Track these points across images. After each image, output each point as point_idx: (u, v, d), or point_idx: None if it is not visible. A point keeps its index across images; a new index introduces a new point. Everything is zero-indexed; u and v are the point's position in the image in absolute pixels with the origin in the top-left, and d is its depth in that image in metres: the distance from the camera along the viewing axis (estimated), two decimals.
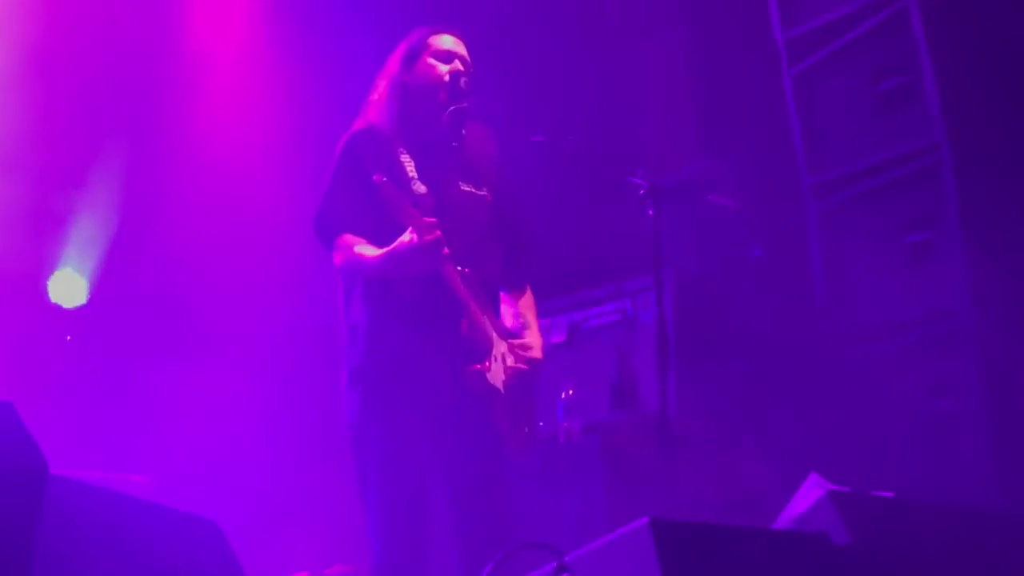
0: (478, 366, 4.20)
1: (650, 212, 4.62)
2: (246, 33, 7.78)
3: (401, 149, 4.31)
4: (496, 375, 4.24)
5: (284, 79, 7.58)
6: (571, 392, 5.93)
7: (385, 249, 4.11)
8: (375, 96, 4.52)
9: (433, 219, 4.05)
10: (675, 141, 6.61)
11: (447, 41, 4.51)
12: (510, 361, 4.33)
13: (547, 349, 4.60)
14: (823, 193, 5.85)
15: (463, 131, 4.42)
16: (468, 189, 4.44)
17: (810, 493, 3.93)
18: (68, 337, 7.03)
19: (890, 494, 4.13)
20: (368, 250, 4.18)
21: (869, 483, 4.41)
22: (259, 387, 7.18)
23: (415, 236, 4.01)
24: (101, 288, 7.15)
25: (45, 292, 7.04)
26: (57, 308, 7.07)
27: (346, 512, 5.77)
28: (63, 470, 3.25)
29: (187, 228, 7.23)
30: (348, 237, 4.26)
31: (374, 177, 4.05)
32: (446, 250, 4.07)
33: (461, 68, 4.45)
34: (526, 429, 4.38)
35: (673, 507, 4.49)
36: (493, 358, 4.25)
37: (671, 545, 3.03)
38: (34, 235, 6.87)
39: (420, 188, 4.24)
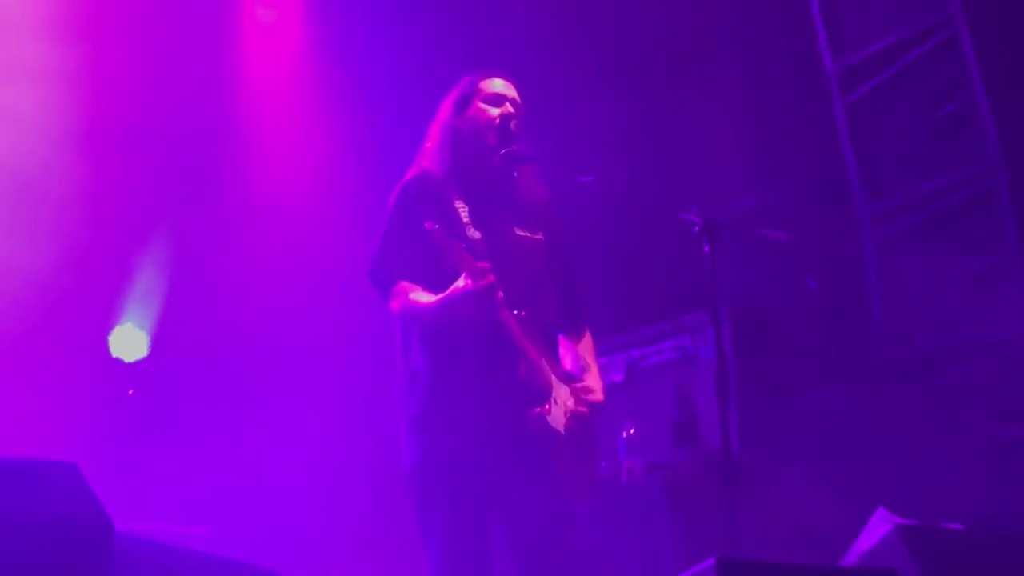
0: (538, 409, 4.17)
1: (706, 248, 4.60)
2: (300, 80, 7.87)
3: (455, 195, 4.30)
4: (556, 418, 4.21)
5: (339, 125, 7.63)
6: (632, 431, 5.89)
7: (439, 296, 4.12)
8: (428, 144, 4.53)
9: (486, 263, 4.04)
10: (728, 175, 6.59)
11: (497, 84, 4.52)
12: (570, 404, 4.29)
13: (607, 389, 4.56)
14: (879, 222, 5.81)
15: (515, 174, 4.41)
16: (523, 234, 4.43)
17: (878, 528, 3.89)
18: (130, 391, 7.08)
19: (959, 526, 4.07)
20: (424, 297, 4.19)
21: (938, 516, 4.35)
22: (319, 436, 7.20)
23: (468, 282, 4.00)
24: (161, 342, 7.20)
25: (107, 347, 7.10)
26: (118, 362, 7.12)
27: (408, 561, 5.75)
28: (126, 524, 3.28)
29: (245, 281, 7.28)
30: (404, 285, 4.26)
31: (425, 225, 4.05)
32: (500, 294, 4.05)
33: (512, 111, 4.45)
34: (587, 473, 4.35)
35: (739, 545, 4.45)
36: (553, 401, 4.21)
37: None
38: (95, 290, 6.94)
39: (474, 234, 4.22)
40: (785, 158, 6.60)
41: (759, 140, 6.71)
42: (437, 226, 4.04)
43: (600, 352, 6.05)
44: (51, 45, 6.61)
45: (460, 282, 4.03)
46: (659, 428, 6.03)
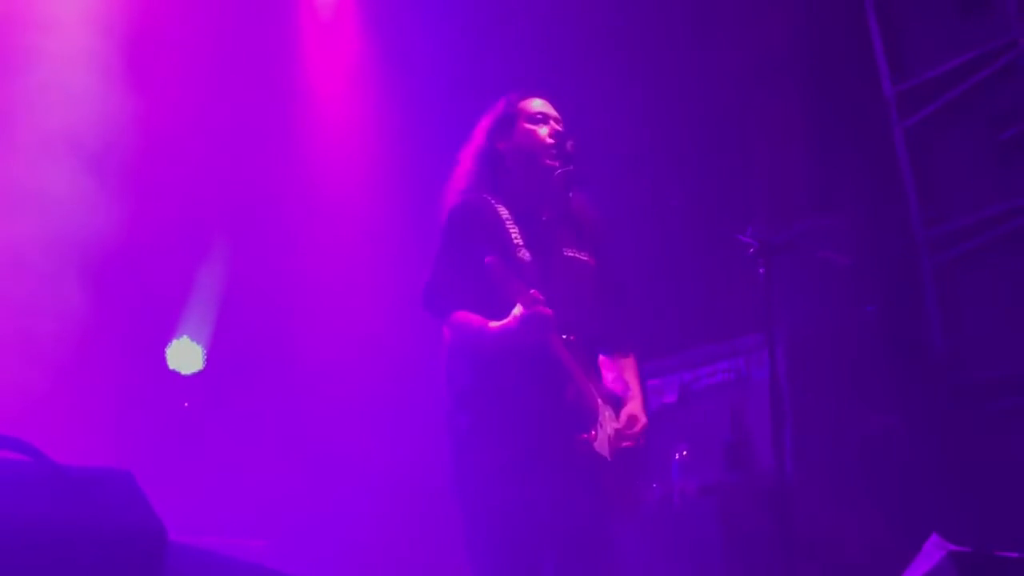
0: (585, 436, 4.16)
1: (761, 270, 4.58)
2: (358, 91, 7.91)
3: (506, 216, 4.30)
4: (602, 443, 4.19)
5: (398, 134, 7.66)
6: (685, 453, 5.88)
7: (496, 328, 4.09)
8: (463, 168, 4.53)
9: (540, 297, 4.03)
10: (786, 197, 6.57)
11: (537, 104, 4.51)
12: (616, 427, 4.28)
13: (658, 410, 4.55)
14: (938, 246, 5.77)
15: (569, 195, 4.41)
16: (572, 255, 4.42)
17: (931, 554, 3.86)
18: (186, 403, 7.15)
19: (1015, 555, 4.02)
20: (481, 328, 4.17)
21: (993, 544, 4.30)
22: (374, 452, 7.22)
23: (524, 312, 4.00)
24: (217, 355, 7.26)
25: (164, 360, 7.17)
26: (175, 375, 7.19)
27: None
28: (182, 536, 3.30)
29: (301, 296, 7.33)
30: (461, 314, 4.24)
31: (486, 260, 4.04)
32: (553, 325, 4.05)
33: (559, 128, 4.45)
34: (632, 495, 4.32)
35: (791, 569, 4.42)
36: (599, 425, 4.21)
37: None
38: (153, 304, 7.01)
39: (525, 256, 4.21)
40: (844, 181, 6.57)
41: (818, 163, 6.68)
42: (495, 260, 4.04)
43: (653, 373, 6.06)
44: (104, 45, 6.66)
45: (516, 311, 4.03)
46: (712, 450, 6.00)
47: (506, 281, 4.04)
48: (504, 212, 4.29)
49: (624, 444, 4.25)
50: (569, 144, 4.38)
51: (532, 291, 4.01)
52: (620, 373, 4.49)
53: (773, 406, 4.58)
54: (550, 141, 4.39)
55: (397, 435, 7.22)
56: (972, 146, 5.65)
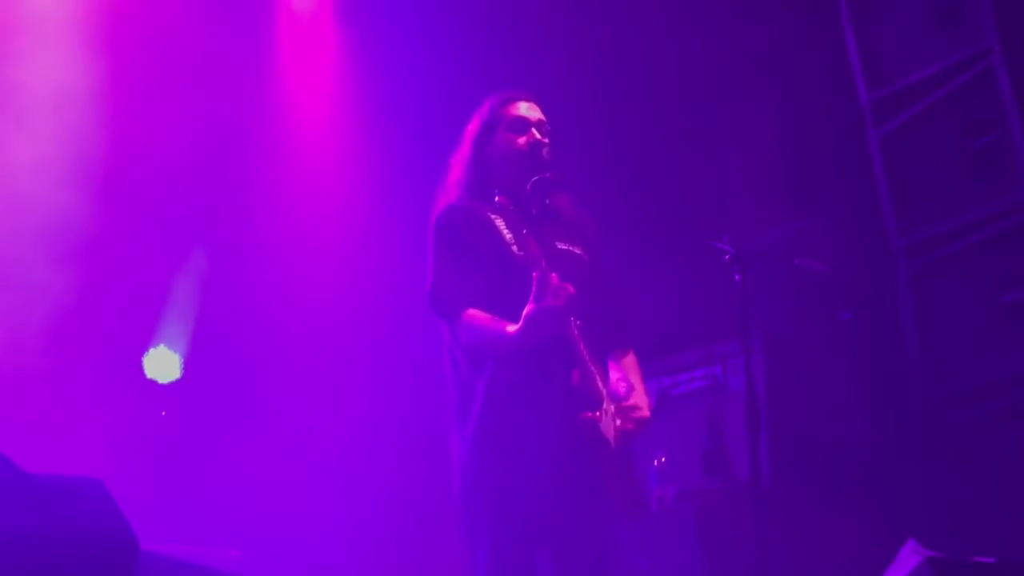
0: (590, 414, 4.14)
1: (737, 276, 4.58)
2: (337, 92, 7.88)
3: (495, 217, 4.25)
4: (607, 427, 4.18)
5: (376, 136, 7.63)
6: (663, 459, 5.88)
7: (519, 325, 4.02)
8: (453, 176, 4.52)
9: (558, 281, 4.00)
10: (762, 205, 6.58)
11: (521, 108, 4.49)
12: (618, 422, 4.26)
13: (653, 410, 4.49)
14: (914, 254, 5.79)
15: (547, 201, 4.40)
16: (565, 247, 4.41)
17: (908, 560, 3.87)
18: (163, 412, 7.12)
19: (991, 559, 4.04)
20: (501, 327, 4.11)
21: (968, 549, 4.32)
22: (352, 461, 7.20)
23: (545, 300, 3.98)
24: (194, 364, 7.24)
25: (141, 368, 7.14)
26: (152, 384, 7.16)
27: None
28: (158, 545, 3.29)
29: (279, 304, 7.30)
30: (472, 314, 4.20)
31: (514, 249, 3.99)
32: (572, 307, 4.03)
33: (537, 136, 4.43)
34: (636, 496, 4.31)
35: None
36: (603, 411, 4.19)
37: None
38: (130, 313, 6.98)
39: (519, 252, 4.08)
40: (820, 189, 6.59)
41: (794, 170, 6.70)
42: (523, 250, 4.00)
43: None
44: (80, 55, 6.64)
45: (526, 310, 4.00)
46: (689, 456, 6.02)
47: (532, 263, 4.00)
48: (492, 214, 4.25)
49: (626, 426, 4.24)
50: (544, 151, 4.37)
51: (552, 275, 3.99)
52: (624, 374, 4.47)
53: (748, 413, 4.59)
54: (527, 150, 4.38)
55: (376, 445, 7.21)
56: (947, 154, 5.67)
